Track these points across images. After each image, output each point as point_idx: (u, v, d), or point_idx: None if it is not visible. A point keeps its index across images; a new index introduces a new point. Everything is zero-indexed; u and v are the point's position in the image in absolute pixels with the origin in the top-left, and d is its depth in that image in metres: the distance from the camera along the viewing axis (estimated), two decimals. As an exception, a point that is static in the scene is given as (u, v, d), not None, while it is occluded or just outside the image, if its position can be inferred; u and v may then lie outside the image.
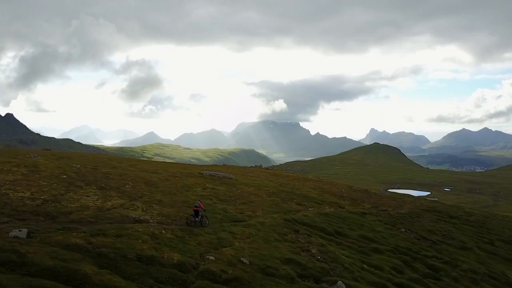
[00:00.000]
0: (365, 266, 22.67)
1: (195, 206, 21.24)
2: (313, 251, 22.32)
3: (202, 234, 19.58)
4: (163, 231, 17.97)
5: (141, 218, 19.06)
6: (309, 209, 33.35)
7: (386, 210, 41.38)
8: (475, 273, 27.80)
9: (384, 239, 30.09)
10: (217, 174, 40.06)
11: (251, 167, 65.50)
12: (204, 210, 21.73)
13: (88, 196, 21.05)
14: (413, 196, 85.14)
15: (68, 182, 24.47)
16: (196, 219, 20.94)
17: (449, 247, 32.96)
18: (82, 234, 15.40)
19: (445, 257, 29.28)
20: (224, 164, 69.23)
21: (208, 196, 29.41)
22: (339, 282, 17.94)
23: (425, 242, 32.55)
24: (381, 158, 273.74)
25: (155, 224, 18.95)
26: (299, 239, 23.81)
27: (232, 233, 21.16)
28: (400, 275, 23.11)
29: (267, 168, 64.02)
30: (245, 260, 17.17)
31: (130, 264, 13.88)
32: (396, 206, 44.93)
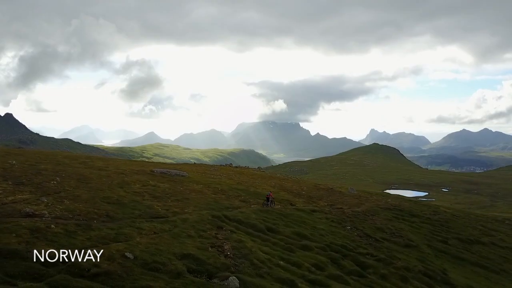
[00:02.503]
0: (281, 263, 22.16)
1: (267, 195, 34.04)
2: (226, 247, 21.88)
3: (101, 229, 19.23)
4: (53, 226, 17.62)
5: (36, 213, 18.76)
6: (252, 206, 32.96)
7: (341, 208, 40.97)
8: (408, 271, 27.35)
9: (321, 236, 29.67)
10: (169, 172, 39.77)
11: (221, 165, 65.41)
12: (274, 198, 34.91)
13: (-8, 191, 20.82)
14: (390, 194, 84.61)
15: (-16, 177, 24.23)
16: (268, 203, 33.08)
17: (392, 245, 32.54)
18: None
19: (381, 255, 28.83)
20: (194, 163, 68.91)
21: (141, 193, 29.01)
22: (231, 278, 17.52)
23: (368, 239, 32.13)
24: (380, 158, 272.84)
25: (49, 219, 18.61)
26: (218, 236, 23.38)
27: (139, 228, 20.77)
28: (319, 272, 22.62)
29: (236, 167, 63.95)
30: (129, 255, 16.77)
31: (-16, 258, 13.58)
32: (354, 204, 44.49)
